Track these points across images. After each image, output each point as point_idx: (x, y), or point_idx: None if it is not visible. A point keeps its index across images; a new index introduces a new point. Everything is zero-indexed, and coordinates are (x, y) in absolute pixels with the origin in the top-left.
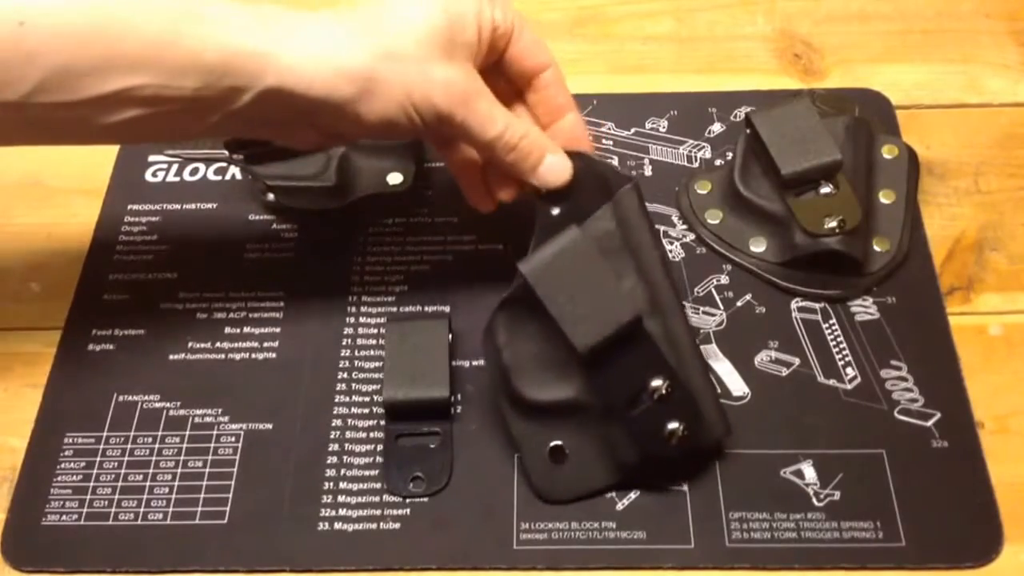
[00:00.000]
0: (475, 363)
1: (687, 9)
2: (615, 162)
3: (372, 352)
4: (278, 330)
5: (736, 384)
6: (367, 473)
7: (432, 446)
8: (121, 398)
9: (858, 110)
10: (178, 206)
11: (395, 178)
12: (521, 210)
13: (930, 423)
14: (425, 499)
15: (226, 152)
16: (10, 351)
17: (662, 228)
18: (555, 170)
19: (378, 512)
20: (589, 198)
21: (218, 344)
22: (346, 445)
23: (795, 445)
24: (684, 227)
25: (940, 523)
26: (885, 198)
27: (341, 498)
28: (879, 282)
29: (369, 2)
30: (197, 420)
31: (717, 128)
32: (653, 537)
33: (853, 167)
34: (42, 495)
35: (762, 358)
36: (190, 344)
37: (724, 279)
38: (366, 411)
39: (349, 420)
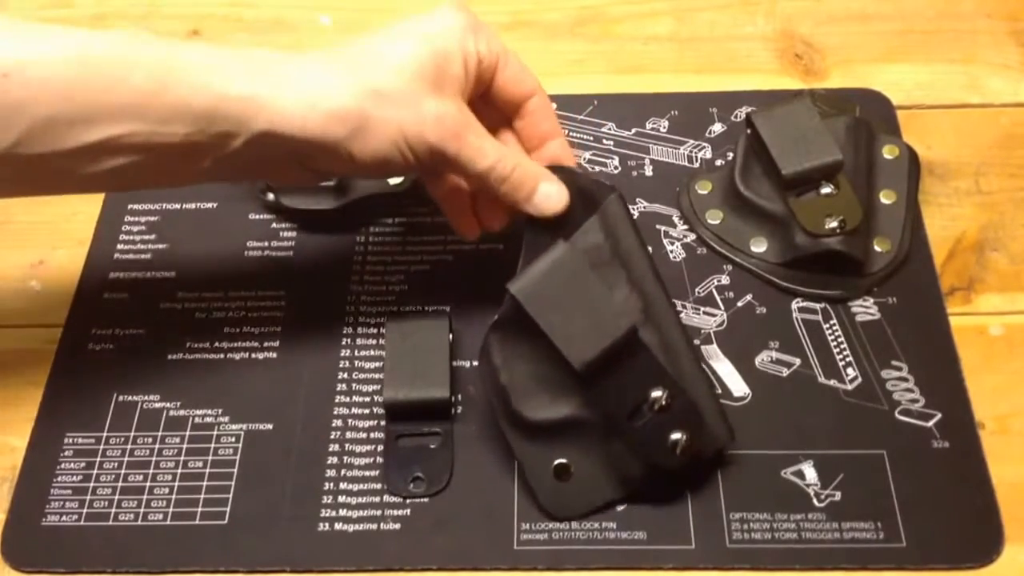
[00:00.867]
0: (475, 363)
1: (688, 9)
2: (616, 162)
3: (372, 352)
4: (278, 330)
5: (737, 384)
6: (367, 473)
7: (432, 446)
8: (121, 398)
9: (859, 110)
10: (178, 205)
11: (395, 178)
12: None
13: (931, 423)
14: (425, 499)
15: None
16: (10, 349)
17: (663, 228)
18: (552, 200)
19: (378, 512)
20: (575, 212)
21: (217, 344)
22: (346, 445)
23: (796, 445)
24: (685, 227)
25: (941, 523)
26: (886, 198)
27: (341, 498)
28: (880, 282)
29: (356, 41)
30: (197, 420)
31: (718, 128)
32: (654, 537)
33: (854, 167)
34: (42, 495)
35: (763, 358)
36: (189, 344)
37: (725, 279)
38: (366, 411)
39: (349, 420)
